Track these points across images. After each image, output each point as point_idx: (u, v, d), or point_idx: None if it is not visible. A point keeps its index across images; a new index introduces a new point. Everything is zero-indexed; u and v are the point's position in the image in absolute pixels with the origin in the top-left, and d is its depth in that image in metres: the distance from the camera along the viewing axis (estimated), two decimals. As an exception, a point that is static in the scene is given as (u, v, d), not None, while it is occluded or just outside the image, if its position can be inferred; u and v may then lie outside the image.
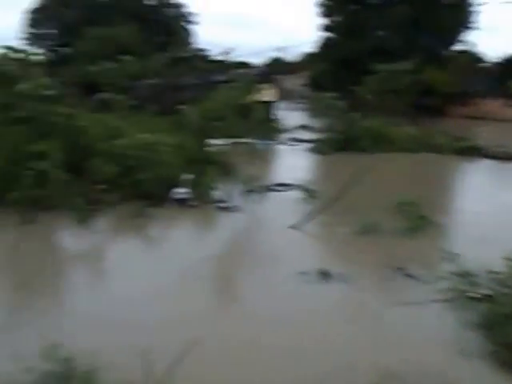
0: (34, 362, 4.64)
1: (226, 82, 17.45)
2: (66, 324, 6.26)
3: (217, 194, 12.43)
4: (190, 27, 48.16)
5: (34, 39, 45.00)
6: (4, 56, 13.36)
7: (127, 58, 23.51)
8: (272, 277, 8.03)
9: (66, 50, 42.12)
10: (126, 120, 15.63)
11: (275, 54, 53.03)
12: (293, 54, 54.85)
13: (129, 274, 7.99)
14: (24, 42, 42.85)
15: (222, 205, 11.87)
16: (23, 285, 7.70)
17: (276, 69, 39.22)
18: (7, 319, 6.61)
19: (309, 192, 12.16)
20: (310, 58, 46.54)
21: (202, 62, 34.29)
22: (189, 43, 45.50)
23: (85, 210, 10.27)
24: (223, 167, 13.47)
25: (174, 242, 9.96)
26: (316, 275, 7.95)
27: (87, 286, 7.60)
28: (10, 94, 11.86)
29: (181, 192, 12.05)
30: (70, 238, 10.00)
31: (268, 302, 7.13)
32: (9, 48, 13.74)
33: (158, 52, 33.11)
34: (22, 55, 13.80)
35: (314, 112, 25.06)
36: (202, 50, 42.09)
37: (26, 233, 9.95)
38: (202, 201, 12.05)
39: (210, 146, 14.70)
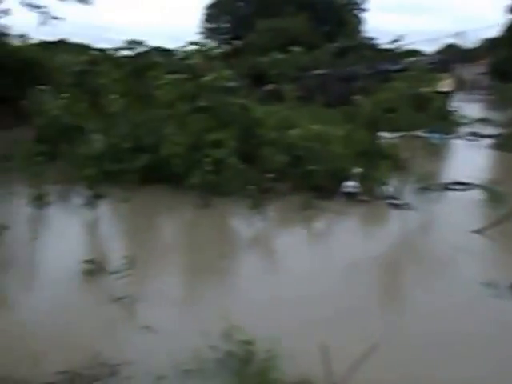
0: (216, 341, 4.79)
1: (397, 71, 16.56)
2: (243, 308, 6.40)
3: (388, 189, 11.85)
4: (360, 15, 47.17)
5: (209, 33, 48.35)
6: (190, 51, 14.40)
7: (297, 49, 23.77)
8: (450, 285, 7.32)
9: (239, 42, 44.37)
10: (295, 111, 15.77)
11: (451, 41, 49.13)
12: (471, 40, 50.28)
13: (296, 267, 7.93)
14: (201, 36, 46.32)
15: (393, 201, 11.26)
16: (201, 265, 8.13)
17: (452, 56, 36.31)
18: (191, 298, 7.01)
19: (493, 193, 10.93)
20: (492, 44, 42.18)
21: (371, 51, 33.30)
22: (358, 32, 44.56)
23: (256, 198, 10.54)
24: (396, 162, 12.78)
25: (342, 237, 9.73)
26: (506, 289, 7.01)
27: (259, 274, 7.74)
28: (195, 85, 12.72)
29: (351, 186, 11.70)
30: (242, 224, 10.33)
31: (447, 312, 6.46)
32: (194, 43, 14.79)
33: (327, 42, 33.01)
34: (205, 49, 14.72)
35: (498, 104, 22.52)
36: (371, 38, 40.95)
37: (202, 215, 10.63)
38: (372, 196, 11.60)
39: (381, 138, 14.07)
